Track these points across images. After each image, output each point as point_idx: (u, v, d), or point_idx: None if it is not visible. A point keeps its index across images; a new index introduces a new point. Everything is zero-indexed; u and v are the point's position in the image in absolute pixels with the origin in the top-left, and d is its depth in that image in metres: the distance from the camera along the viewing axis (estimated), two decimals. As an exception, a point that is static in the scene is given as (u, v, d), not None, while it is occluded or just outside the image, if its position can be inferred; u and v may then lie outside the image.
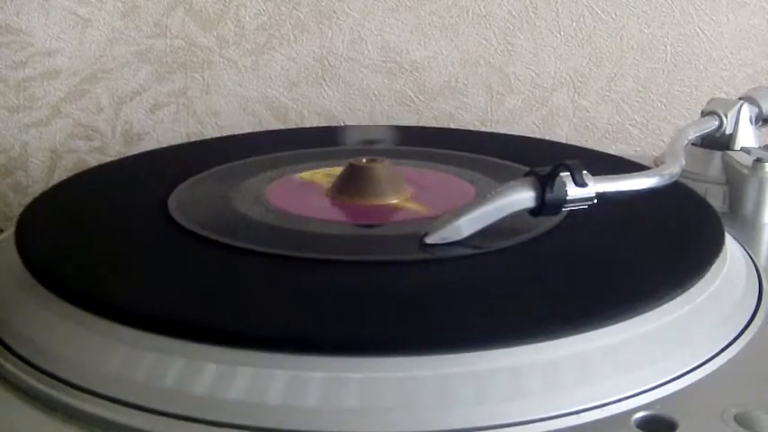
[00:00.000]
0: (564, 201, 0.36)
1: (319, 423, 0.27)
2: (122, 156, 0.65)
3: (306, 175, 0.47)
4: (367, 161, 0.43)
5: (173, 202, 0.42)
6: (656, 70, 0.69)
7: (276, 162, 0.49)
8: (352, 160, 0.44)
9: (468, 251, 0.36)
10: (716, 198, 0.48)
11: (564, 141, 0.68)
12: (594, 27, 0.68)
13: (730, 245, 0.39)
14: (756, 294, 0.36)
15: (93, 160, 0.68)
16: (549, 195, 0.36)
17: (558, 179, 0.36)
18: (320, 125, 0.70)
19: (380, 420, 0.27)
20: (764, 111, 0.51)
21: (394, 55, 0.69)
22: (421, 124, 0.70)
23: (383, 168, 0.43)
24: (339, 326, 0.30)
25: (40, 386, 0.29)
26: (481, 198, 0.37)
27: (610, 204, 0.37)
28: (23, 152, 0.68)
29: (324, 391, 0.27)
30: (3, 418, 0.29)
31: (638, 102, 0.70)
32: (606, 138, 0.70)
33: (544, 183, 0.36)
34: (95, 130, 0.69)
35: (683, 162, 0.42)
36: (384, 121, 0.70)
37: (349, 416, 0.27)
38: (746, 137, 0.50)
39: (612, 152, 0.56)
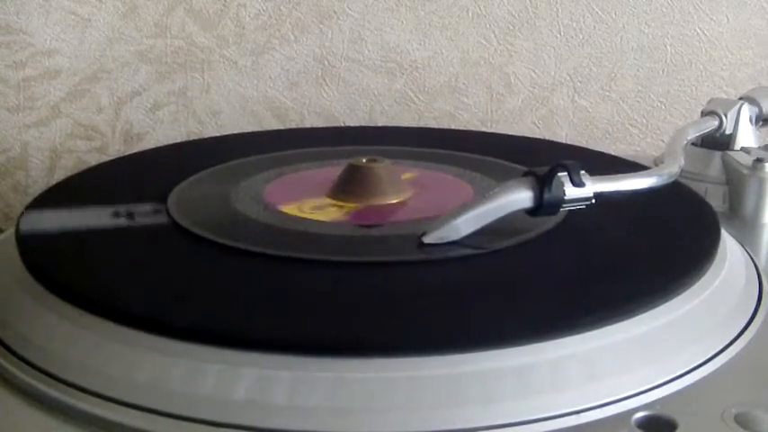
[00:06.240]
0: (562, 201, 0.36)
1: (321, 423, 0.27)
2: (122, 155, 0.65)
3: (290, 209, 0.42)
4: (367, 161, 0.43)
5: (172, 202, 0.42)
6: (656, 70, 0.69)
7: (276, 162, 0.49)
8: (351, 160, 0.44)
9: (467, 251, 0.36)
10: (716, 198, 0.48)
11: (564, 141, 0.68)
12: (594, 27, 0.69)
13: (730, 245, 0.39)
14: (756, 294, 0.36)
15: (93, 160, 0.68)
16: (546, 195, 0.36)
17: (555, 179, 0.36)
18: (320, 125, 0.70)
19: (383, 420, 0.27)
20: (764, 111, 0.51)
21: (394, 55, 0.69)
22: (421, 124, 0.70)
23: (383, 168, 0.43)
24: (339, 327, 0.30)
25: (41, 386, 0.29)
26: (479, 198, 0.37)
27: (609, 204, 0.37)
28: (23, 152, 0.68)
29: (325, 392, 0.27)
30: (3, 419, 0.29)
31: (638, 102, 0.70)
32: (606, 138, 0.70)
33: (542, 182, 0.36)
34: (95, 130, 0.69)
35: (682, 162, 0.42)
36: (384, 121, 0.70)
37: (351, 416, 0.27)
38: (746, 137, 0.50)
39: (612, 152, 0.56)
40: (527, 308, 0.31)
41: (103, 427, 0.28)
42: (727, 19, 0.68)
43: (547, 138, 0.66)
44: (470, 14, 0.68)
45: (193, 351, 0.29)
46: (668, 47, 0.69)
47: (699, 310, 0.33)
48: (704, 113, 0.51)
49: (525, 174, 0.37)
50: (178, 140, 0.67)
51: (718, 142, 0.50)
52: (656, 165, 0.43)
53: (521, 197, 0.36)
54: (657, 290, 0.32)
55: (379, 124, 0.70)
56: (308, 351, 0.28)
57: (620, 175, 0.38)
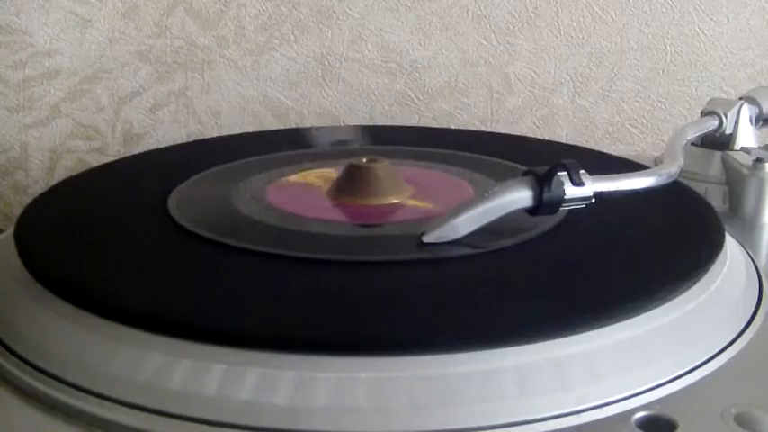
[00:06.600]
0: (561, 200, 0.36)
1: (320, 423, 0.27)
2: (122, 156, 0.65)
3: (297, 177, 0.46)
4: (367, 161, 0.43)
5: (173, 202, 0.42)
6: (656, 70, 0.69)
7: (276, 162, 0.49)
8: (351, 160, 0.44)
9: (467, 251, 0.36)
10: (716, 198, 0.48)
11: (564, 141, 0.68)
12: (594, 27, 0.68)
13: (730, 245, 0.39)
14: (756, 294, 0.36)
15: (93, 160, 0.68)
16: (546, 195, 0.36)
17: (555, 178, 0.36)
18: (320, 125, 0.70)
19: (383, 420, 0.27)
20: (764, 111, 0.51)
21: (394, 55, 0.69)
22: (421, 124, 0.70)
23: (383, 168, 0.43)
24: (339, 326, 0.30)
25: (40, 386, 0.29)
26: (479, 197, 0.37)
27: (609, 204, 0.37)
28: (23, 152, 0.68)
29: (325, 392, 0.27)
30: (3, 418, 0.29)
31: (638, 102, 0.70)
32: (606, 138, 0.70)
33: (542, 182, 0.36)
34: (95, 130, 0.69)
35: (682, 162, 0.42)
36: (384, 121, 0.70)
37: (350, 415, 0.27)
38: (746, 137, 0.50)
39: (612, 152, 0.55)
40: (527, 307, 0.31)
41: (103, 427, 0.28)
42: (727, 19, 0.68)
43: (547, 138, 0.66)
44: (470, 14, 0.68)
45: (192, 350, 0.29)
46: (668, 47, 0.69)
47: (699, 309, 0.33)
48: (704, 113, 0.51)
49: (525, 173, 0.37)
50: (178, 141, 0.67)
51: (718, 142, 0.50)
52: (656, 165, 0.43)
53: (520, 196, 0.36)
54: (658, 290, 0.32)
55: (379, 124, 0.70)
56: (308, 350, 0.28)
57: (619, 174, 0.38)
